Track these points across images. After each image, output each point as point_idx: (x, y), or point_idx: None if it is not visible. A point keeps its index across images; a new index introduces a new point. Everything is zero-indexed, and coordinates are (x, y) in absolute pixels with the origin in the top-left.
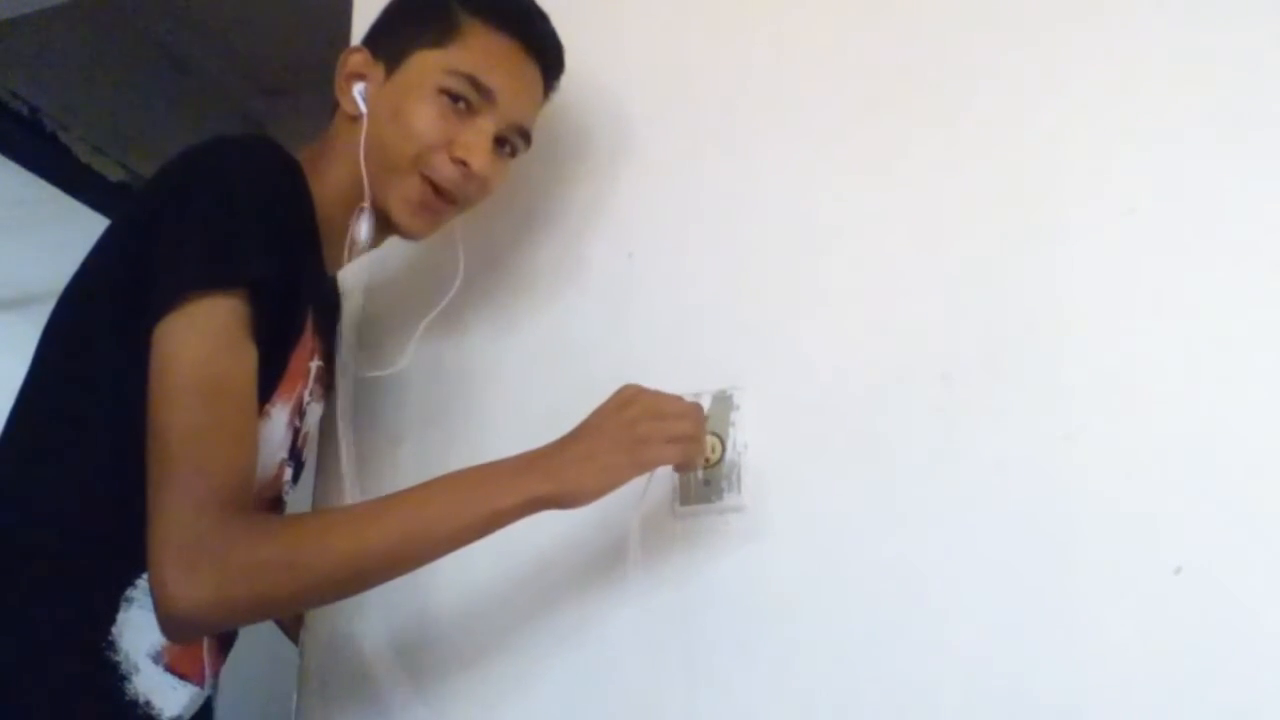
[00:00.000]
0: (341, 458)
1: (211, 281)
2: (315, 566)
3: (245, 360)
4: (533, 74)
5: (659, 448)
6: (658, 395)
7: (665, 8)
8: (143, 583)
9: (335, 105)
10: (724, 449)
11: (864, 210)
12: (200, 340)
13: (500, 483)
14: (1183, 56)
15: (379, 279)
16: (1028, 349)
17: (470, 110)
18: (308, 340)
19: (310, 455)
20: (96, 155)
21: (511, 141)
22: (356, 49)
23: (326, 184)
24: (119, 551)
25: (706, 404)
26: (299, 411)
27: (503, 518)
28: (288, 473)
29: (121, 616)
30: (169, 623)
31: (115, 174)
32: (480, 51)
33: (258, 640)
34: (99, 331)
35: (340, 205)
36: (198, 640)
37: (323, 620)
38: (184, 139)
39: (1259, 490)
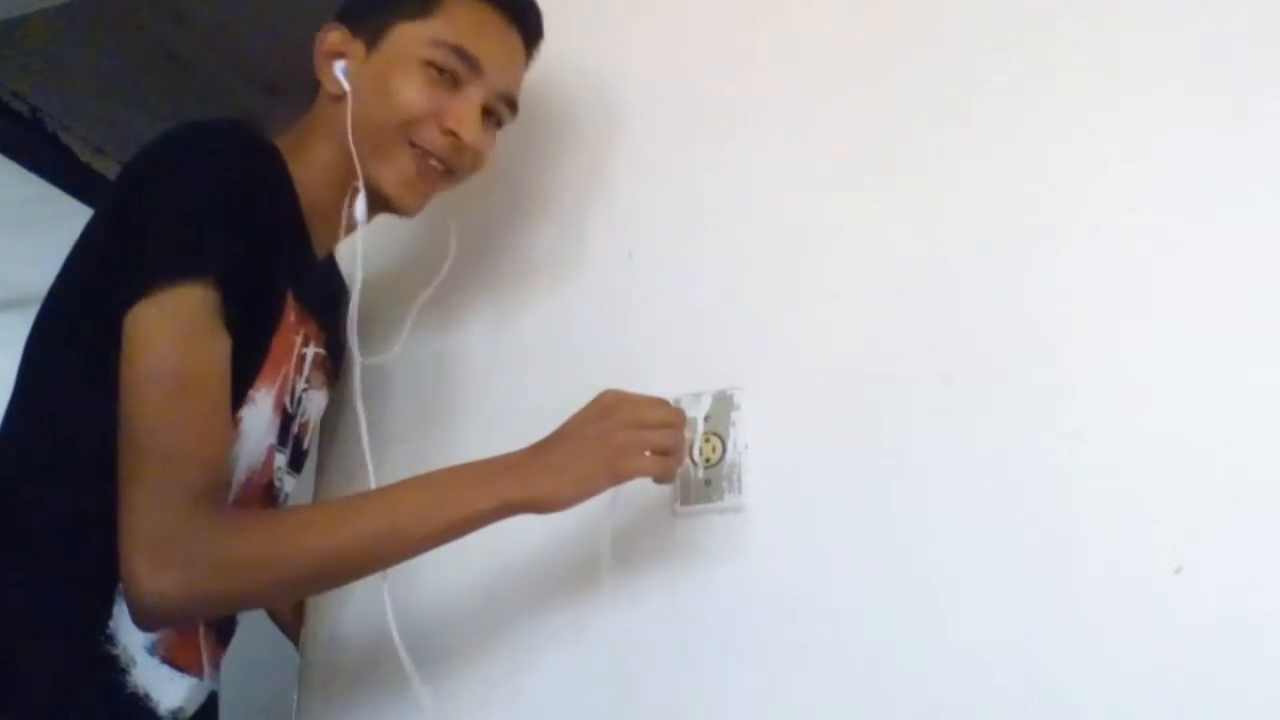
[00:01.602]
0: (365, 451)
1: (179, 271)
2: (285, 563)
3: (216, 349)
4: (515, 41)
5: (636, 460)
6: (639, 403)
7: (667, 7)
8: None
9: (315, 89)
10: (724, 449)
11: (864, 210)
12: (169, 330)
13: (475, 486)
14: (1182, 55)
15: (374, 268)
16: (1028, 349)
17: (457, 81)
18: (291, 324)
19: (313, 446)
20: (96, 155)
21: (497, 111)
22: (333, 27)
23: (310, 166)
24: (112, 544)
25: (706, 404)
26: (288, 395)
27: (475, 521)
28: (280, 459)
29: (118, 609)
30: (138, 614)
31: (115, 174)
32: (463, 21)
33: (259, 638)
34: (82, 325)
35: (327, 187)
36: (191, 629)
37: (323, 619)
38: None
39: (1259, 490)
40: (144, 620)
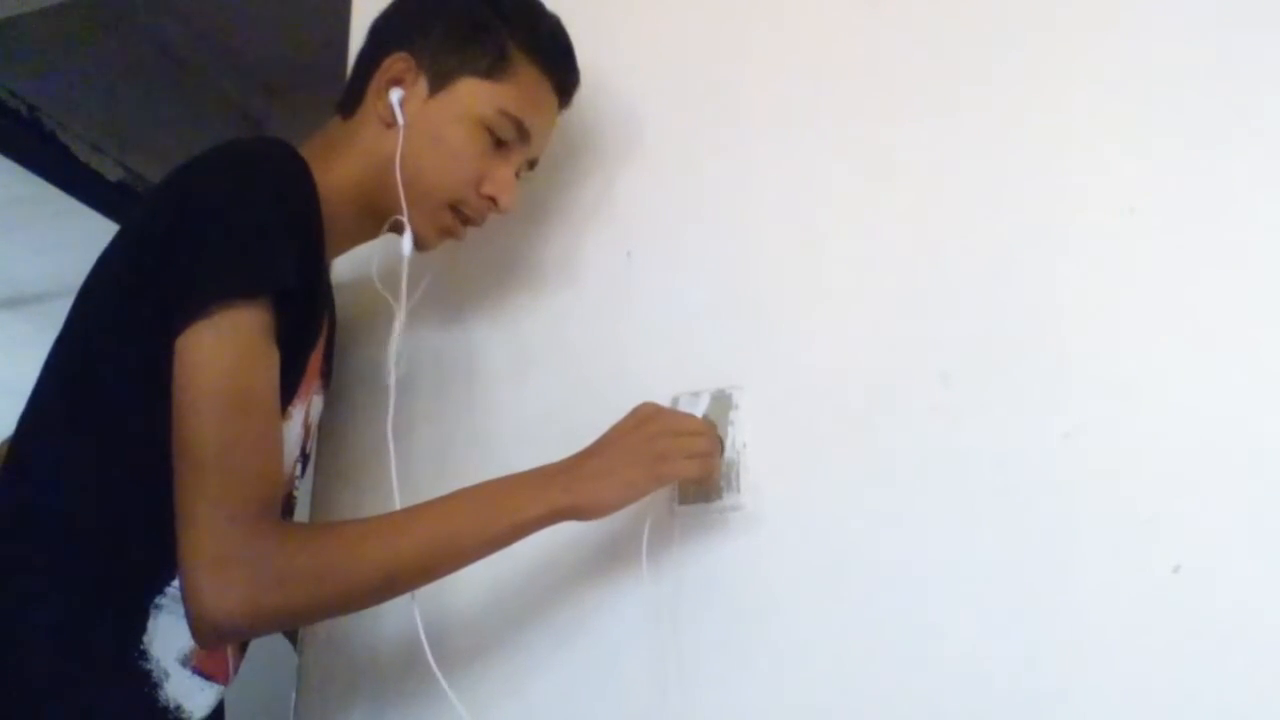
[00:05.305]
0: (391, 468)
1: (238, 291)
2: (347, 575)
3: (270, 368)
4: (555, 112)
5: (678, 462)
6: (675, 413)
7: (665, 7)
8: (172, 589)
9: (346, 102)
10: (723, 449)
11: (863, 210)
12: (227, 350)
13: (523, 495)
14: (1183, 56)
15: (373, 266)
16: (1028, 349)
17: (504, 147)
18: (324, 340)
19: (312, 448)
20: (95, 154)
21: (521, 170)
22: (402, 56)
23: (333, 179)
24: (148, 560)
25: (706, 403)
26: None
27: (525, 528)
28: (298, 468)
29: (151, 625)
30: (203, 631)
31: (114, 173)
32: (529, 93)
33: (257, 639)
34: (120, 338)
35: (345, 203)
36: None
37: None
38: (183, 138)
39: (1258, 490)
40: (208, 636)
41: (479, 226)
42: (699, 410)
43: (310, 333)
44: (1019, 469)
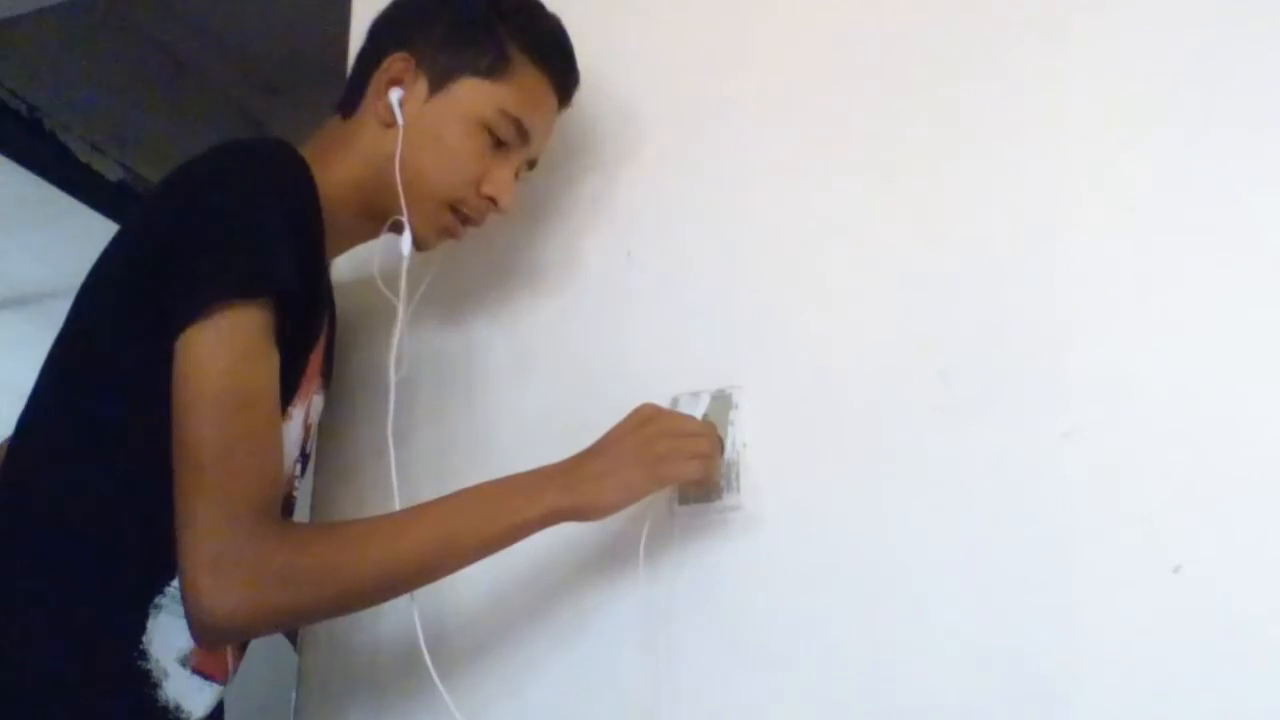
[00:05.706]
0: (391, 468)
1: (238, 291)
2: (348, 575)
3: (271, 368)
4: (555, 112)
5: (679, 463)
6: (675, 415)
7: (664, 6)
8: (171, 589)
9: (346, 101)
10: (723, 449)
11: (863, 209)
12: (227, 350)
13: (523, 495)
14: (1183, 56)
15: (373, 266)
16: (1028, 348)
17: (503, 147)
18: (324, 340)
19: (312, 448)
20: (95, 154)
21: (520, 170)
22: (402, 56)
23: (333, 179)
24: (147, 560)
25: (705, 403)
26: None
27: (525, 529)
28: (297, 468)
29: (151, 624)
30: (204, 631)
31: (114, 173)
32: (528, 93)
33: (257, 639)
34: (119, 338)
35: (345, 203)
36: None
37: None
38: (183, 138)
39: (1259, 489)
40: (208, 637)
41: (478, 226)
42: (699, 410)
43: (310, 333)
44: (1019, 469)
